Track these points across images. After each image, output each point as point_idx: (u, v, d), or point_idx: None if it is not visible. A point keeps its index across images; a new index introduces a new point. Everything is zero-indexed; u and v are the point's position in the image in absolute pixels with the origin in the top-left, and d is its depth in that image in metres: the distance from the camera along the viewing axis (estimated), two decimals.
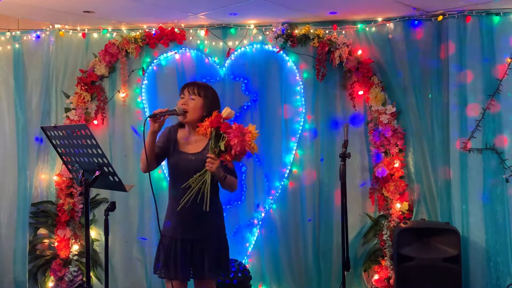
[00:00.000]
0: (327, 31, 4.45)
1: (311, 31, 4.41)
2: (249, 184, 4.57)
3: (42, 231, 4.62)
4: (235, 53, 4.57)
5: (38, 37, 4.64)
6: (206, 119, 2.78)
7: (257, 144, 2.77)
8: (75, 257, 4.52)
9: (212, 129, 2.69)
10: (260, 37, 4.54)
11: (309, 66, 4.51)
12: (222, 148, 2.67)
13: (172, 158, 2.99)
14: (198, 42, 4.60)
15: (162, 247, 2.96)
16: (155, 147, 2.94)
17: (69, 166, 2.66)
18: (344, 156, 3.00)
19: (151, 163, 2.94)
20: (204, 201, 2.73)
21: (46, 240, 4.61)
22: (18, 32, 4.66)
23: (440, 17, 4.23)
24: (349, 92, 4.44)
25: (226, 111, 2.77)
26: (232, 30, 4.57)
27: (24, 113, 4.61)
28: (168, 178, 3.12)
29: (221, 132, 2.69)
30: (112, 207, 2.76)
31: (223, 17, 4.37)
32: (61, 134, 2.53)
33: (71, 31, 4.65)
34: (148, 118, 2.81)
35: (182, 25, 4.58)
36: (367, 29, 4.43)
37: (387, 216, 4.36)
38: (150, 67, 4.62)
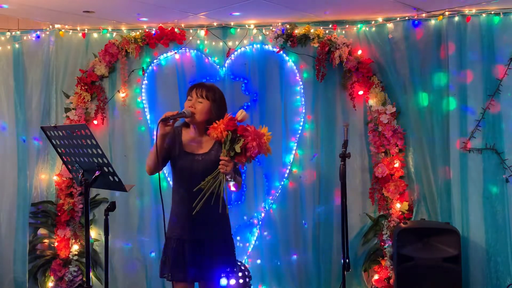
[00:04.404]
0: (327, 31, 4.45)
1: (311, 31, 4.41)
2: (249, 184, 4.57)
3: (42, 231, 4.62)
4: (235, 53, 4.57)
5: (38, 37, 4.64)
6: (218, 121, 2.72)
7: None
8: (75, 257, 4.52)
9: (229, 132, 2.66)
10: (260, 37, 4.54)
11: (309, 66, 4.51)
12: (238, 150, 2.63)
13: (178, 160, 2.92)
14: (198, 42, 4.60)
15: (169, 250, 2.91)
16: (164, 149, 2.90)
17: (69, 166, 2.66)
18: (344, 156, 3.00)
19: (159, 165, 2.90)
20: (218, 202, 2.67)
21: (46, 240, 4.61)
22: (18, 32, 4.66)
23: (440, 17, 4.23)
24: (349, 92, 4.44)
25: (241, 114, 2.73)
26: (232, 30, 4.57)
27: (24, 113, 4.61)
28: (172, 180, 3.05)
29: (238, 134, 2.66)
30: (112, 207, 2.76)
31: (223, 17, 4.37)
32: (61, 134, 2.53)
33: (71, 31, 4.65)
34: (159, 122, 2.75)
35: (182, 25, 4.58)
36: (367, 29, 4.43)
37: (387, 216, 4.36)
38: (150, 67, 4.62)
